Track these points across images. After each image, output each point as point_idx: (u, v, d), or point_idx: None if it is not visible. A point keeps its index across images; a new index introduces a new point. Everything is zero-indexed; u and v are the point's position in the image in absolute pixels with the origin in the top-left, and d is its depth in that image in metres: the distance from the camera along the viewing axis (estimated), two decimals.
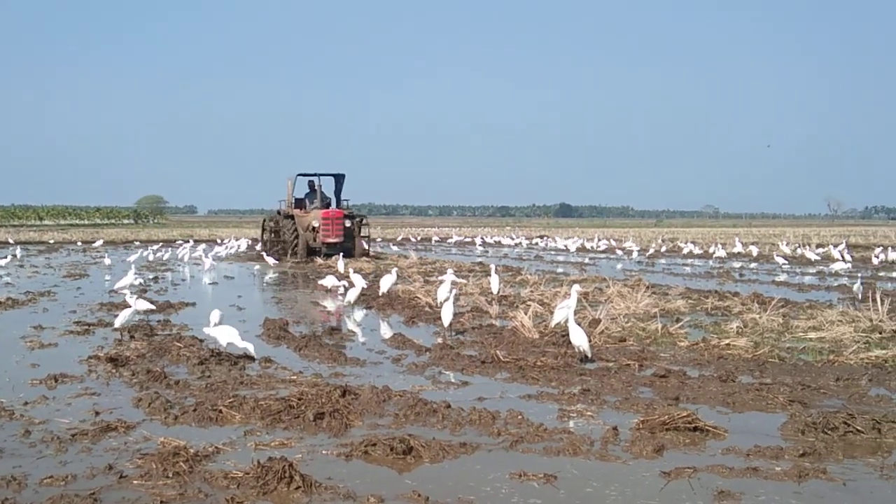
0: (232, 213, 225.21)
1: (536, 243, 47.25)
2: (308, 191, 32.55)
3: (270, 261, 28.25)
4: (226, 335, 9.54)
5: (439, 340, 11.09)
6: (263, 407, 6.98)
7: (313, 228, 30.39)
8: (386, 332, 12.29)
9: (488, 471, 5.56)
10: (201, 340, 10.24)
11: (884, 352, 9.72)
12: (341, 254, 24.43)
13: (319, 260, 28.74)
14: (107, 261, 27.90)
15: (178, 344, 10.12)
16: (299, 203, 32.20)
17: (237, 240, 40.48)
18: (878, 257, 27.58)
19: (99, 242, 42.96)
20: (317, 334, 11.41)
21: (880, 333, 11.02)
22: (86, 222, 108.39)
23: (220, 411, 6.94)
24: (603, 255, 35.30)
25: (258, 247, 36.12)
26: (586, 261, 30.96)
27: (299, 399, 7.09)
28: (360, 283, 15.87)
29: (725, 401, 7.57)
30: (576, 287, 10.89)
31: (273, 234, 32.61)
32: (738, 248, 35.28)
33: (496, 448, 6.10)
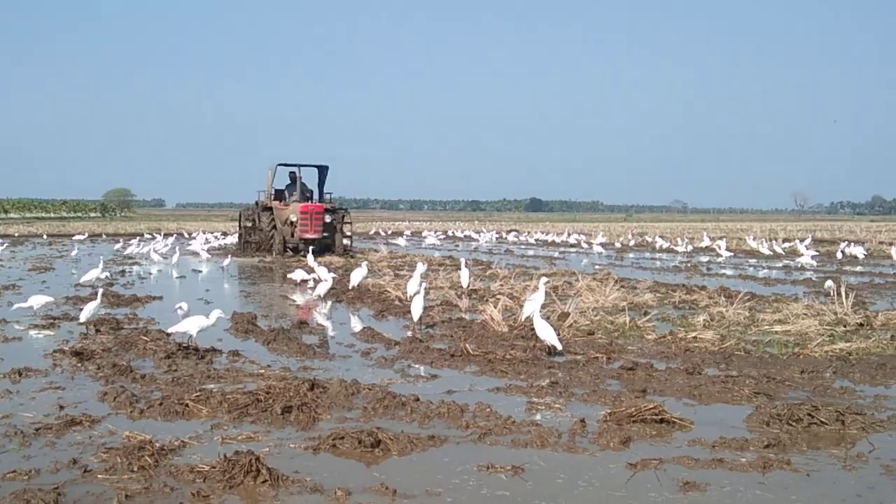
0: (201, 206, 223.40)
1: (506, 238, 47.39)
2: (289, 182, 30.23)
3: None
4: (194, 324, 9.47)
5: (409, 334, 11.09)
6: (231, 401, 6.93)
7: (291, 223, 28.01)
8: (356, 325, 12.25)
9: (456, 463, 5.57)
10: (168, 334, 10.13)
11: (848, 345, 9.87)
12: (310, 247, 22.66)
13: (290, 253, 27.75)
14: (73, 253, 27.48)
15: (145, 338, 10.02)
16: (279, 195, 29.94)
17: (204, 233, 40.00)
18: (842, 252, 27.98)
19: (82, 235, 42.10)
20: (285, 328, 11.33)
21: (844, 327, 11.20)
22: (52, 215, 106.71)
23: (187, 405, 6.88)
24: (573, 250, 35.46)
25: (228, 240, 35.65)
26: (556, 255, 31.07)
27: (267, 393, 7.06)
28: (325, 276, 15.78)
29: (692, 393, 7.64)
30: (543, 280, 10.92)
31: (250, 227, 30.49)
32: (706, 243, 35.59)
33: (464, 441, 6.10)
